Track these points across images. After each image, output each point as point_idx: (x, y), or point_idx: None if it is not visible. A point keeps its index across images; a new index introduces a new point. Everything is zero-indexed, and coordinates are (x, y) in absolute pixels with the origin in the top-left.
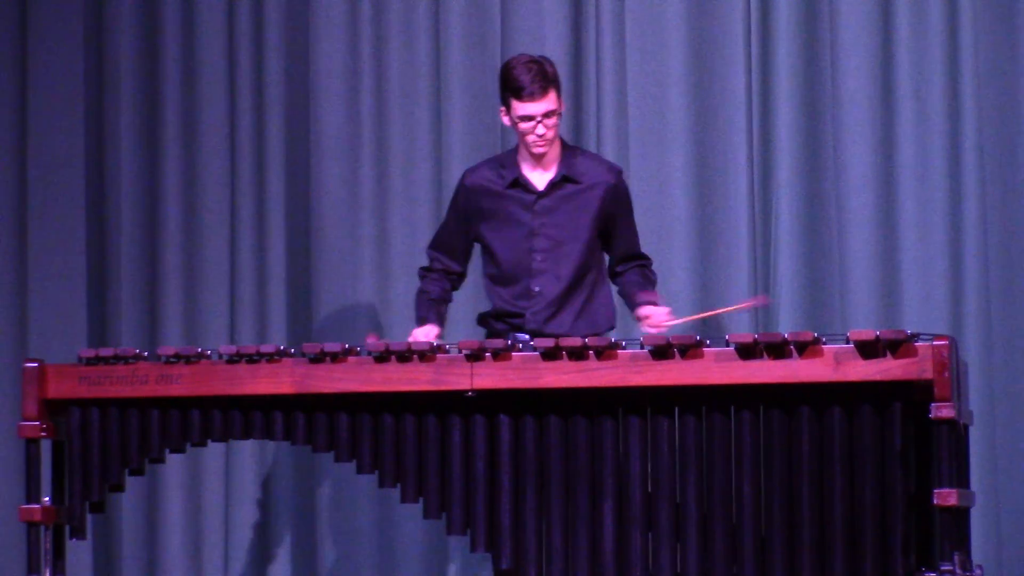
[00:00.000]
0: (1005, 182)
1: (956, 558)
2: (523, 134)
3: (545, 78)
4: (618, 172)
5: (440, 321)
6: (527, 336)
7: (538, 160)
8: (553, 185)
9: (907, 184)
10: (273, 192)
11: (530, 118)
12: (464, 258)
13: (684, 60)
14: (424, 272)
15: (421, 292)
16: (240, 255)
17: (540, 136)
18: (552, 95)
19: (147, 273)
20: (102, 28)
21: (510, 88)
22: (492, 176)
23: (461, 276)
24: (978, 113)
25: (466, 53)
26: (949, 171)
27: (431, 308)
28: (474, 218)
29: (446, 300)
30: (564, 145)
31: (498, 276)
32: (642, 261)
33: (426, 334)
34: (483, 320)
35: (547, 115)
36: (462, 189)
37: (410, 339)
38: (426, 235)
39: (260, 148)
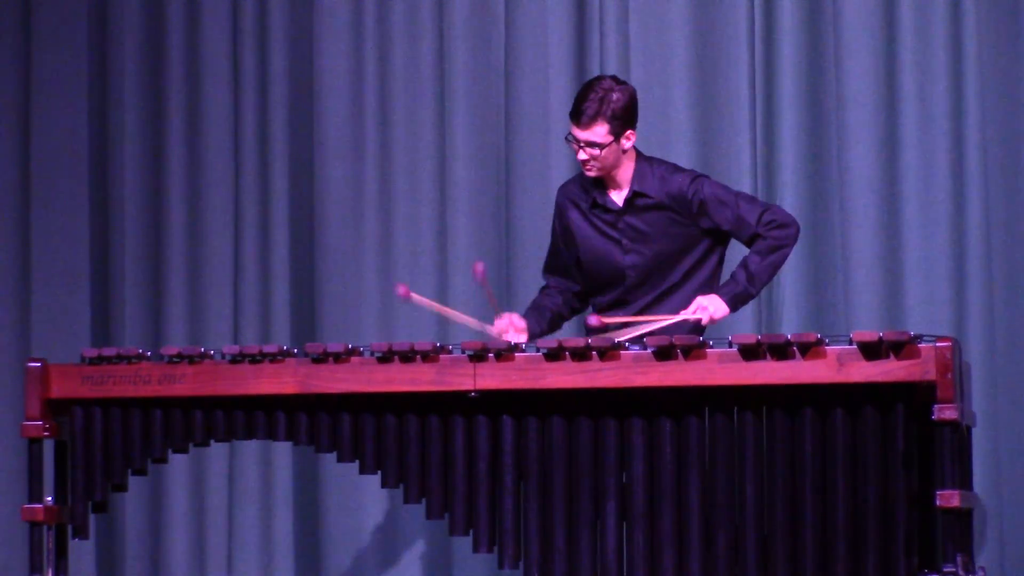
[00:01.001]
0: (1008, 183)
1: (959, 560)
2: (573, 152)
3: (598, 109)
4: (691, 177)
5: (538, 319)
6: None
7: (608, 179)
8: (628, 202)
9: (910, 185)
10: (277, 192)
11: (574, 140)
12: (579, 275)
13: (688, 61)
14: (541, 290)
15: (531, 305)
16: (244, 255)
17: (582, 161)
18: (599, 128)
19: (150, 273)
20: (106, 28)
21: (573, 103)
22: (579, 192)
23: (579, 295)
24: (981, 114)
25: (470, 54)
26: (952, 172)
27: (529, 310)
28: (568, 235)
29: (552, 309)
30: (640, 159)
31: (594, 291)
32: (760, 234)
33: (507, 318)
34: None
35: (588, 144)
36: (556, 206)
37: (496, 322)
38: (430, 234)
39: (264, 148)
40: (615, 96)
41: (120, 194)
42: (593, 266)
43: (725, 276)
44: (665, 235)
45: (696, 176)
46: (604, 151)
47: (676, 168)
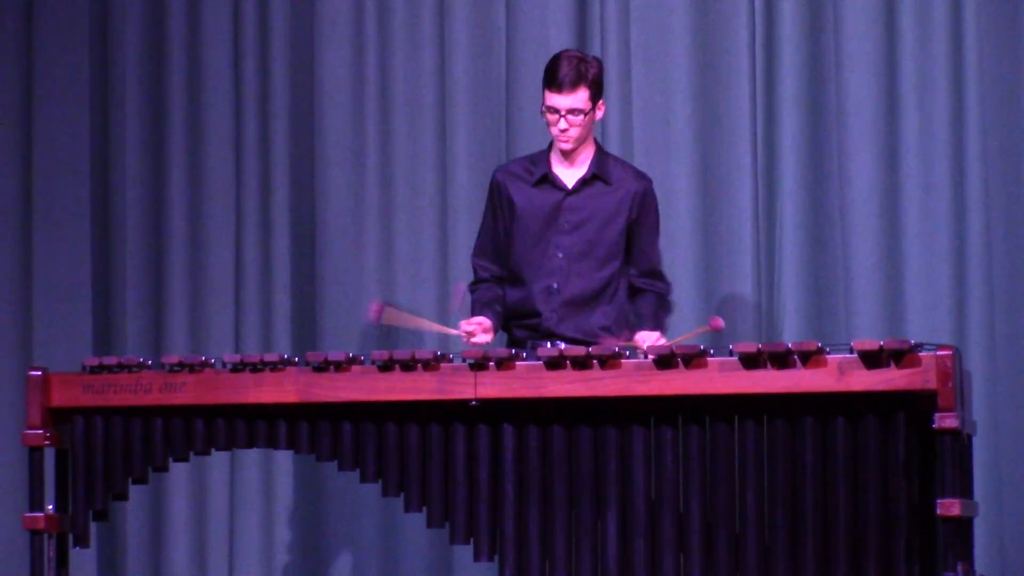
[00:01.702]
0: (1009, 192)
1: (959, 568)
2: (548, 125)
3: (579, 74)
4: (649, 181)
5: (495, 319)
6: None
7: (567, 157)
8: (584, 183)
9: (911, 194)
10: (278, 201)
11: (555, 111)
12: (509, 259)
13: (689, 70)
14: (473, 286)
15: (474, 302)
16: (245, 264)
17: (562, 131)
18: (582, 93)
19: (152, 281)
20: (107, 36)
21: (545, 76)
22: (521, 171)
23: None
24: (982, 123)
25: (471, 62)
26: (953, 181)
27: (484, 307)
28: (508, 212)
29: (498, 302)
30: (599, 148)
31: (517, 274)
32: (661, 287)
33: (470, 320)
34: (505, 326)
35: (572, 112)
36: (494, 184)
37: (461, 324)
38: (431, 243)
39: (265, 157)
40: (590, 65)
41: (121, 203)
42: (525, 242)
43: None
44: (602, 222)
45: (651, 180)
46: (585, 118)
47: (631, 165)
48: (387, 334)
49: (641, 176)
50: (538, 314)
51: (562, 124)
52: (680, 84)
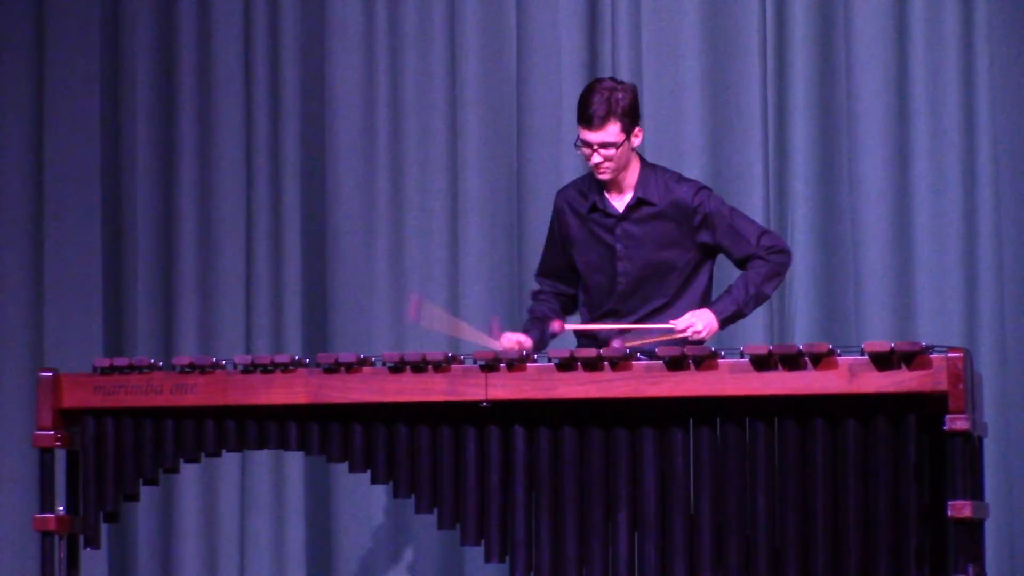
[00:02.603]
0: (1020, 195)
1: (970, 570)
2: (585, 158)
3: (608, 109)
4: (696, 188)
5: (541, 335)
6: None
7: (612, 184)
8: (630, 208)
9: (922, 197)
10: (289, 202)
11: (588, 144)
12: (572, 278)
13: (700, 72)
14: (535, 295)
15: (528, 313)
16: (255, 265)
17: (596, 165)
18: (612, 127)
19: (162, 283)
20: (118, 38)
21: (578, 109)
22: (577, 197)
23: (574, 298)
24: (993, 126)
25: (481, 64)
26: (964, 184)
27: (532, 325)
28: (567, 240)
29: (548, 318)
30: (644, 165)
31: (587, 299)
32: (761, 255)
33: (509, 338)
34: (578, 336)
35: (603, 145)
36: (554, 210)
37: (504, 338)
38: (442, 245)
39: (276, 158)
40: (620, 95)
41: (132, 205)
42: (587, 272)
43: (717, 292)
44: (660, 244)
45: (700, 187)
46: (618, 151)
47: (681, 177)
48: (400, 335)
49: (689, 187)
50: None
51: (595, 158)
52: (691, 87)
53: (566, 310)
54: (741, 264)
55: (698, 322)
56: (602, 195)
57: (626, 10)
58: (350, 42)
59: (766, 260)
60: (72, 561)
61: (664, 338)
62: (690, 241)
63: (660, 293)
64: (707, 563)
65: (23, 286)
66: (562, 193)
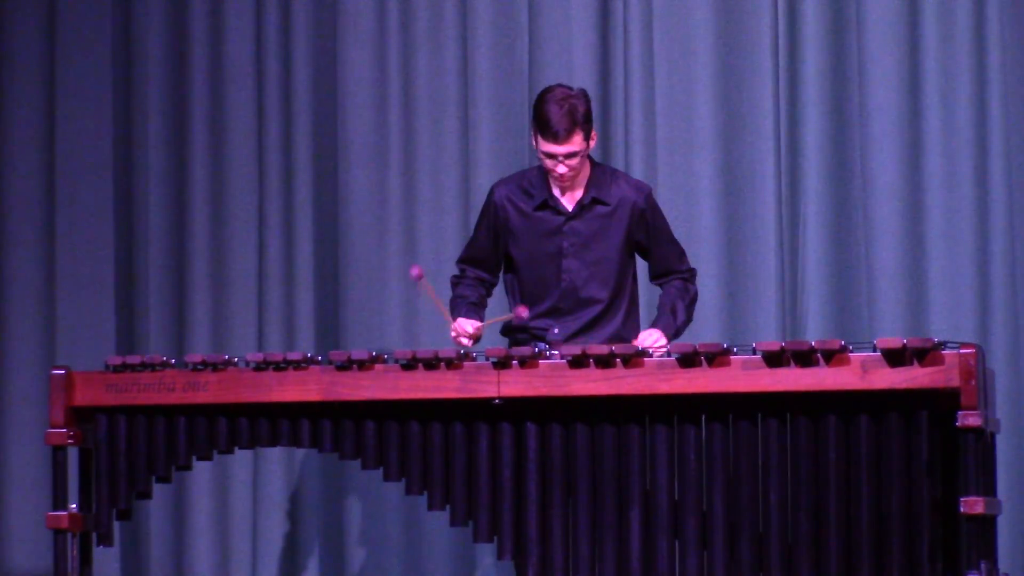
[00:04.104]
0: None
1: (983, 566)
2: (547, 169)
3: (572, 120)
4: (647, 192)
5: (480, 316)
6: (546, 345)
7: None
8: (583, 207)
9: (934, 192)
10: (301, 199)
11: (552, 156)
12: (496, 269)
13: (712, 69)
14: (456, 279)
15: (458, 297)
16: (268, 263)
17: (560, 175)
18: (577, 137)
19: (175, 280)
20: (130, 35)
21: (537, 123)
22: (520, 195)
23: (493, 285)
24: (1005, 121)
25: (494, 61)
26: (976, 180)
27: (471, 311)
28: (503, 235)
29: (483, 305)
30: (594, 165)
31: (525, 294)
32: (683, 275)
33: (471, 324)
34: (507, 331)
35: (569, 156)
36: (491, 204)
37: (454, 327)
38: (454, 242)
39: (288, 156)
40: (577, 103)
41: (144, 202)
42: (527, 267)
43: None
44: (605, 244)
45: (649, 189)
46: (580, 158)
47: (628, 177)
48: (412, 332)
49: (638, 187)
50: (545, 331)
51: (560, 168)
52: (703, 83)
53: (487, 296)
54: (660, 273)
55: (660, 337)
56: (551, 194)
57: (638, 6)
58: (362, 39)
59: (688, 284)
60: (85, 559)
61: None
62: (630, 241)
63: (600, 292)
64: (720, 559)
65: (35, 283)
66: (502, 188)
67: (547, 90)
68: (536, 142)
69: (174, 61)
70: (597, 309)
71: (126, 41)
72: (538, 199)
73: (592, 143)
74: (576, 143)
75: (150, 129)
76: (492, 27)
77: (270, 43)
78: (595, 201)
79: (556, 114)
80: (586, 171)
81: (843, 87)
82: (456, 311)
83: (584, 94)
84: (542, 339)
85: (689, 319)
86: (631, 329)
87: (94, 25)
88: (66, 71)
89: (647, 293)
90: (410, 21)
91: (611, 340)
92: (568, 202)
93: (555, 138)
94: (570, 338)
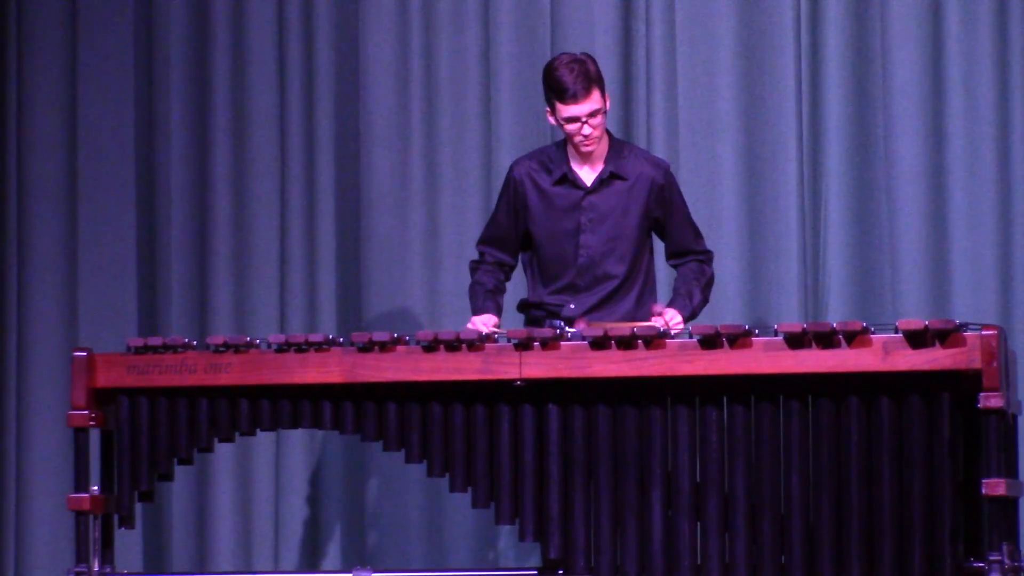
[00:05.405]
0: None
1: (1004, 548)
2: (570, 135)
3: (588, 78)
4: (665, 168)
5: (498, 311)
6: (561, 323)
7: (586, 157)
8: (601, 182)
9: (957, 174)
10: (323, 182)
11: (575, 119)
12: (515, 250)
13: (734, 49)
14: (475, 264)
15: (476, 284)
16: (290, 245)
17: (587, 136)
18: (596, 94)
19: (196, 262)
20: (152, 20)
21: (554, 90)
22: (539, 170)
23: (513, 267)
24: None
25: (516, 43)
26: (999, 162)
27: (488, 298)
28: (522, 211)
29: (501, 291)
30: (612, 140)
31: (543, 271)
32: (699, 257)
33: (484, 322)
34: (524, 307)
35: (592, 115)
36: (511, 181)
37: (468, 326)
38: (476, 224)
39: (310, 138)
40: (589, 64)
41: (166, 185)
42: (545, 243)
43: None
44: (624, 219)
45: (668, 166)
46: (602, 116)
47: (648, 153)
48: (434, 314)
49: (657, 163)
50: (559, 309)
51: (586, 130)
52: (725, 65)
53: (506, 280)
54: (675, 252)
55: (676, 314)
56: (570, 168)
57: None
58: (384, 21)
59: (704, 266)
60: (106, 541)
61: (638, 324)
62: (648, 217)
63: (616, 268)
64: (741, 541)
65: (57, 266)
66: (521, 165)
67: (553, 60)
68: (555, 113)
69: (196, 45)
70: (612, 284)
71: (148, 25)
72: (557, 174)
73: (608, 103)
74: (596, 100)
75: (172, 111)
76: (514, 9)
77: (292, 25)
78: (613, 176)
79: (569, 76)
80: (604, 144)
81: (866, 69)
82: (474, 300)
83: (589, 55)
84: (557, 315)
85: (706, 300)
86: (646, 306)
87: (116, 11)
88: (88, 55)
89: (664, 271)
90: (432, 2)
91: (626, 317)
92: (587, 177)
93: (575, 98)
94: (585, 313)
